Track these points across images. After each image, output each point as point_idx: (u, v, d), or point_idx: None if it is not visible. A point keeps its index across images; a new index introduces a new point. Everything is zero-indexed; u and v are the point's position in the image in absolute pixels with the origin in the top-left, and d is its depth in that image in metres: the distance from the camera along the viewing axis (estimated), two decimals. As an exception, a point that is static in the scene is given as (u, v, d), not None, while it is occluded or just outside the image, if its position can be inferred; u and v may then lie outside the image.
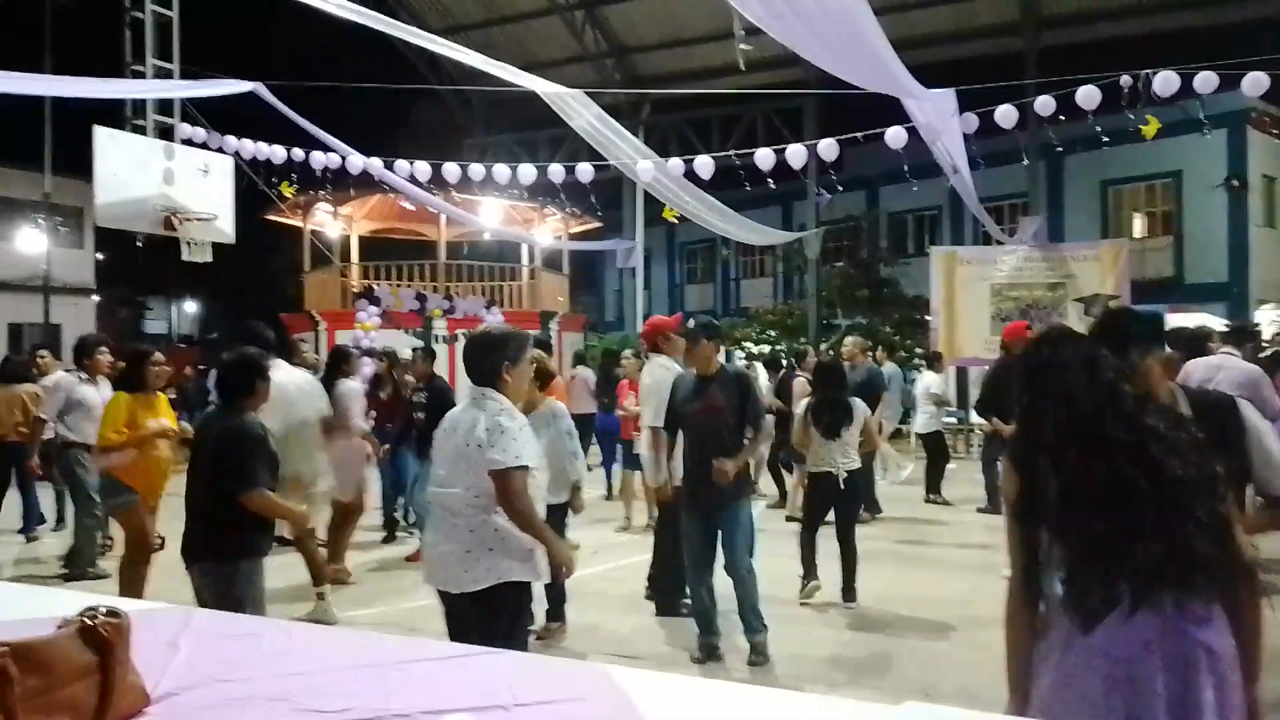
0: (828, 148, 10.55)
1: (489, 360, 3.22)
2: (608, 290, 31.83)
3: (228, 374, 3.99)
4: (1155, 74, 8.85)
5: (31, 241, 22.03)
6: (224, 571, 3.78)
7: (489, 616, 3.09)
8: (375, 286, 18.35)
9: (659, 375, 5.57)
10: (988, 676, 2.42)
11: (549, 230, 21.21)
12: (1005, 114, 9.15)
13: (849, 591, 5.96)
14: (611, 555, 7.05)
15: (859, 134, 10.21)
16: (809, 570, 6.01)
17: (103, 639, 1.71)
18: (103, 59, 12.66)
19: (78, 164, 15.24)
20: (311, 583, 5.62)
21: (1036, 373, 1.91)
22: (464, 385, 3.40)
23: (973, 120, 9.11)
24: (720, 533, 4.73)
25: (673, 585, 5.45)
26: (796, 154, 10.87)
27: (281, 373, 5.46)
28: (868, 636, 5.36)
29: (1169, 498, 1.59)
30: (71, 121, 13.70)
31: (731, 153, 11.70)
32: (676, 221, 15.43)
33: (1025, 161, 16.33)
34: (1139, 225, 21.60)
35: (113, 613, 1.77)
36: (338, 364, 6.83)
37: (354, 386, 6.71)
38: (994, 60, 17.52)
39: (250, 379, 3.96)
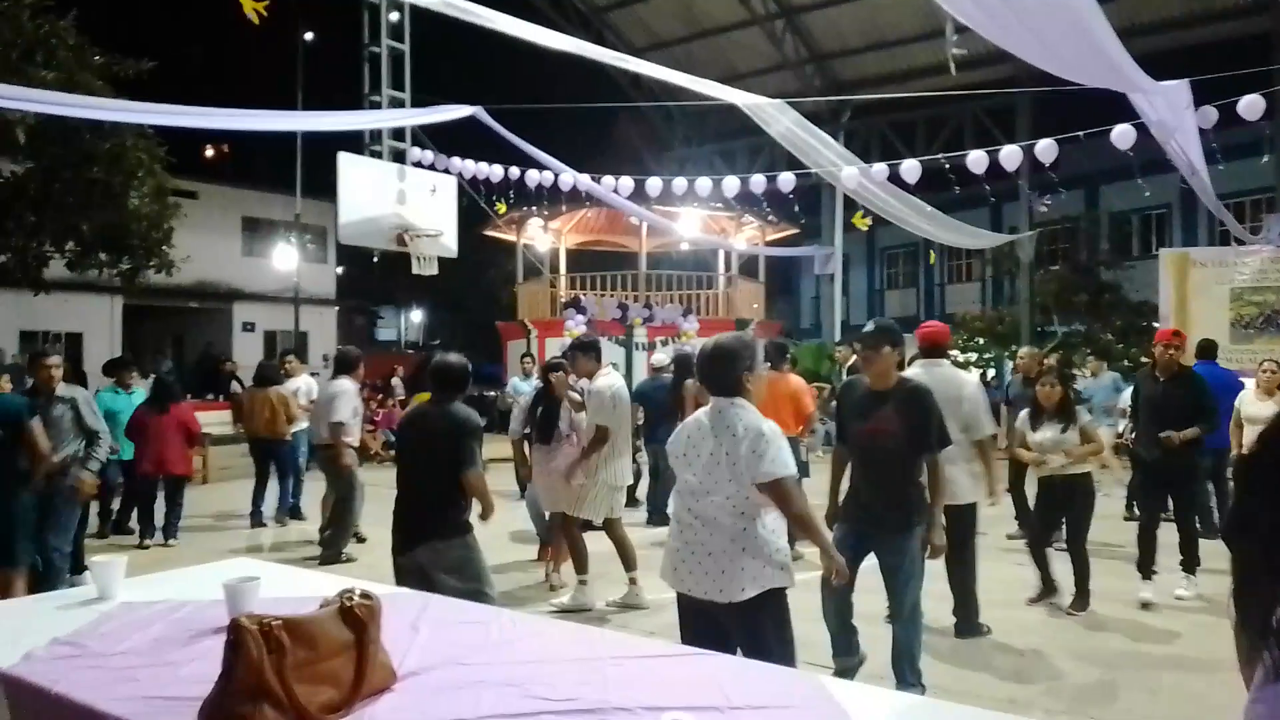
0: (1045, 149, 9.93)
1: (730, 371, 3.22)
2: (804, 297, 31.41)
3: (446, 373, 4.36)
4: None
5: (284, 258, 24.56)
6: (455, 544, 4.16)
7: (756, 625, 3.09)
8: (581, 296, 19.18)
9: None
10: (1230, 717, 2.23)
11: (745, 238, 21.27)
12: (1250, 104, 8.25)
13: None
14: (808, 565, 6.94)
15: (1080, 133, 9.55)
16: (1049, 583, 5.97)
17: (358, 619, 1.94)
18: (345, 90, 14.01)
19: (322, 187, 16.91)
20: (624, 568, 6.13)
21: None
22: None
23: (1211, 113, 8.27)
24: (880, 564, 4.17)
25: (970, 607, 5.35)
26: (1010, 155, 10.30)
27: (608, 380, 6.19)
28: (1088, 659, 4.99)
29: None
30: (319, 148, 15.19)
31: (940, 156, 11.29)
32: (866, 229, 15.06)
33: (1271, 154, 14.66)
34: None
35: (366, 595, 2.00)
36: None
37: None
38: (1235, 44, 15.85)
39: (465, 378, 4.38)
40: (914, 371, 5.29)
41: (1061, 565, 5.96)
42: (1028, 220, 18.90)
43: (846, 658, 4.37)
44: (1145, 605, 5.91)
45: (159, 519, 8.40)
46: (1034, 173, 16.57)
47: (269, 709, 1.70)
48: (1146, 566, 6.09)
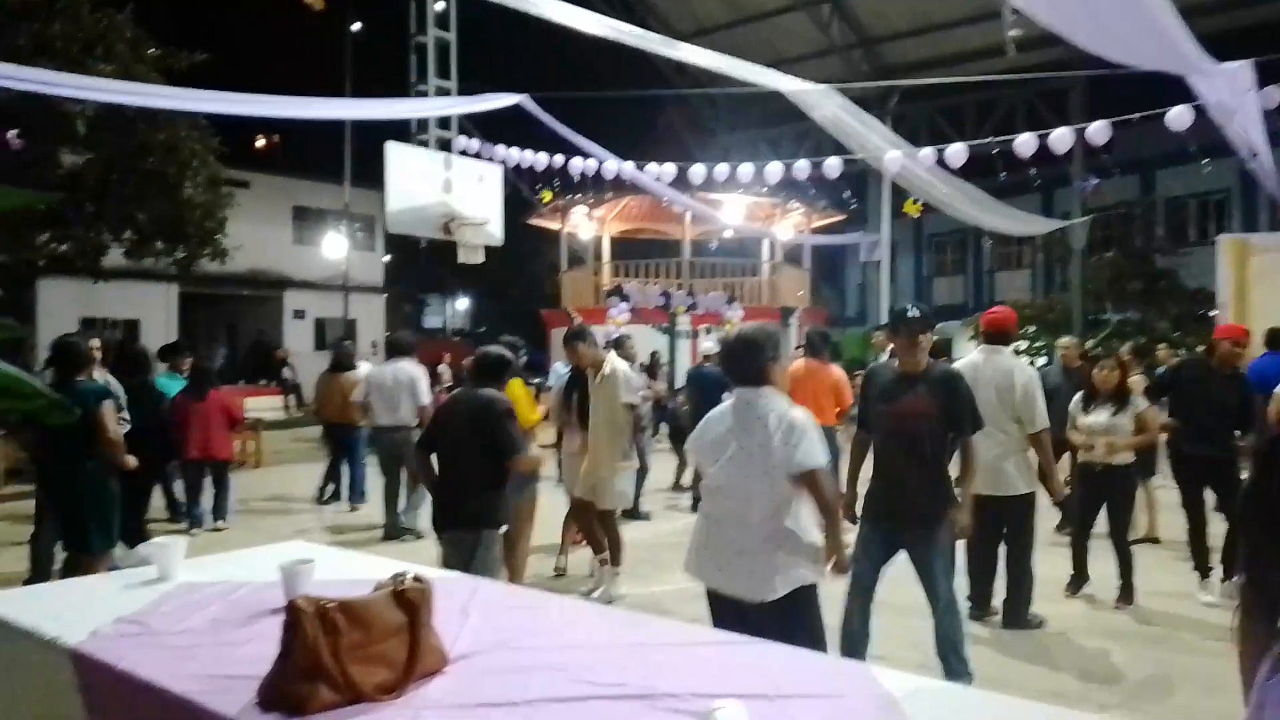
0: (1098, 131, 9.68)
1: (754, 360, 3.17)
2: (850, 284, 31.12)
3: (482, 362, 4.46)
4: None
5: (334, 246, 24.91)
6: (468, 538, 4.12)
7: (788, 621, 3.00)
8: (624, 284, 19.22)
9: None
10: None
11: (790, 225, 21.11)
12: (1316, 84, 8.01)
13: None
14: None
15: (1133, 115, 9.29)
16: (1082, 572, 5.85)
17: (411, 602, 1.96)
18: (391, 79, 14.15)
19: (371, 176, 17.11)
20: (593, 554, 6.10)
21: None
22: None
23: (1274, 94, 8.00)
24: (911, 558, 4.04)
25: (1021, 598, 5.30)
26: (1062, 138, 10.07)
27: (618, 363, 6.08)
28: (1141, 653, 4.89)
29: None
30: (367, 138, 15.40)
31: (990, 140, 11.07)
32: (918, 215, 14.85)
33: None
34: None
35: (418, 579, 2.03)
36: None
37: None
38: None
39: (500, 367, 4.44)
40: (973, 357, 5.23)
41: (1106, 557, 5.85)
42: (1080, 206, 18.50)
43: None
44: (1209, 605, 5.69)
45: (207, 503, 8.57)
46: (1087, 157, 16.23)
47: (325, 689, 1.74)
48: (1203, 565, 5.84)
